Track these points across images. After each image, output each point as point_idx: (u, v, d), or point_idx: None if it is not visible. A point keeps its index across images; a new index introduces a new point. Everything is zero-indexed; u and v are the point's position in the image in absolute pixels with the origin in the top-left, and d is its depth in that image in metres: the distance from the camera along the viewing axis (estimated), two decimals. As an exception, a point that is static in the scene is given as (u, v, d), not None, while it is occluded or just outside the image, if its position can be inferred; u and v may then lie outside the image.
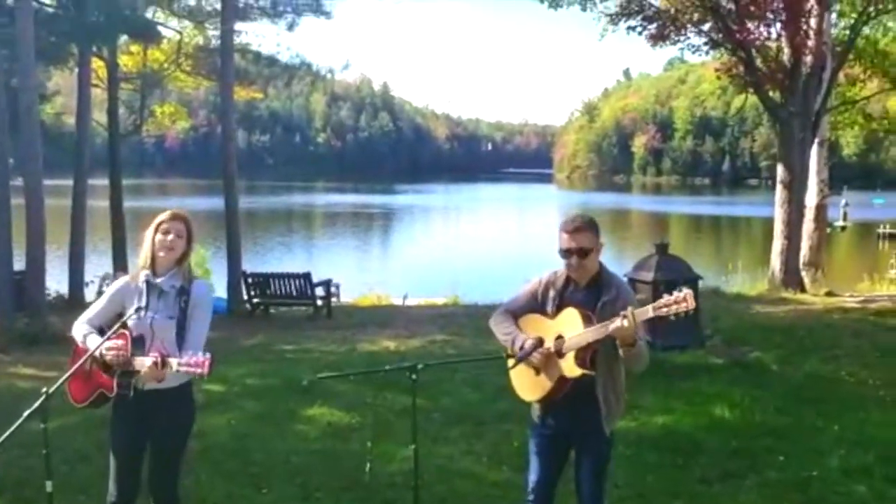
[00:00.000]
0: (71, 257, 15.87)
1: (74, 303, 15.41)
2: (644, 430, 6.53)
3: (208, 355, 3.57)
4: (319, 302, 14.41)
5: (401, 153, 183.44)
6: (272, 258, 34.97)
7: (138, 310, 3.69)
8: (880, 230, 46.45)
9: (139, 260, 3.88)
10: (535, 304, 3.81)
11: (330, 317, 14.20)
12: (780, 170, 15.28)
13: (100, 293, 16.64)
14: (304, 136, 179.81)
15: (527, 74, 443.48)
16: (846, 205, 50.99)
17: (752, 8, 14.22)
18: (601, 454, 3.79)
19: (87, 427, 6.12)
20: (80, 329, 3.84)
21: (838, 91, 17.78)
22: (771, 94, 15.15)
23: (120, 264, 17.84)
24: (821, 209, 17.28)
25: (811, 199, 16.84)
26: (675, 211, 77.43)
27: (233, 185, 15.17)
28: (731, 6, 14.64)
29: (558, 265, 3.78)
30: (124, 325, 3.69)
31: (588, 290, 3.69)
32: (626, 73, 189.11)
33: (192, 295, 3.82)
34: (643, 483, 5.51)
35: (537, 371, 3.68)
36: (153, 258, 3.80)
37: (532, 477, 3.92)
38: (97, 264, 19.14)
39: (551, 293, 3.77)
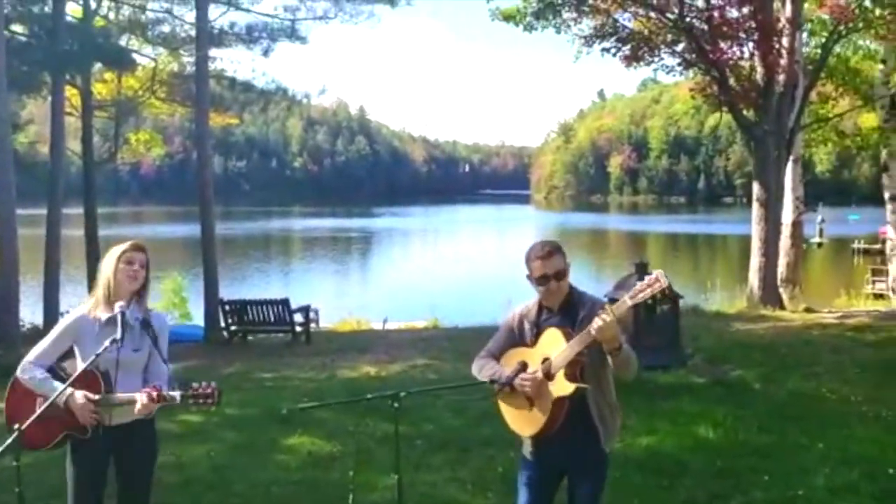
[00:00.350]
0: (46, 287, 15.62)
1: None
2: (629, 452, 6.47)
3: (213, 384, 3.58)
4: (298, 328, 14.28)
5: (378, 176, 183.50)
6: (249, 284, 34.74)
7: (113, 341, 3.60)
8: (855, 245, 46.99)
9: (98, 291, 3.78)
10: (515, 339, 3.76)
11: (309, 343, 14.07)
12: (755, 188, 15.39)
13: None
14: (281, 161, 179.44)
15: (503, 96, 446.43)
16: (822, 221, 51.52)
17: (725, 28, 14.39)
18: (599, 477, 3.72)
19: (59, 462, 5.98)
20: (33, 372, 3.68)
21: (811, 109, 18.00)
22: (745, 112, 15.29)
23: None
24: (797, 226, 17.43)
25: (787, 216, 16.98)
26: (652, 230, 78.00)
27: (209, 212, 15.05)
28: (704, 27, 14.79)
29: (525, 284, 3.75)
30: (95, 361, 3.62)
31: (562, 312, 3.66)
32: (601, 93, 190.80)
33: (154, 327, 3.80)
34: (629, 506, 5.45)
35: (531, 404, 3.61)
36: (116, 289, 3.72)
37: None
38: (71, 294, 18.88)
39: (527, 325, 3.73)
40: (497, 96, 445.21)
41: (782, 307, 15.12)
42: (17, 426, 3.48)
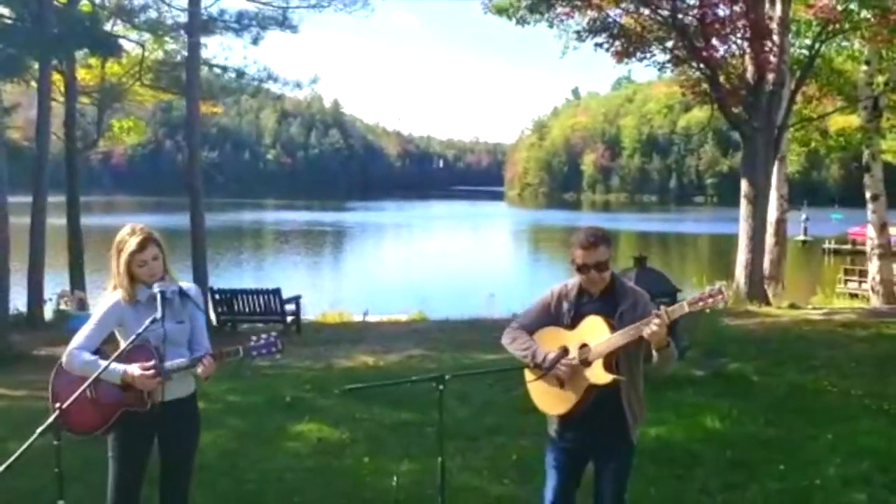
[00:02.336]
0: (30, 275, 15.37)
1: (34, 321, 15.00)
2: (640, 442, 6.48)
3: (273, 333, 3.71)
4: (289, 318, 14.20)
5: (352, 170, 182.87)
6: (222, 277, 34.36)
7: (154, 321, 3.57)
8: (826, 246, 47.60)
9: (117, 281, 3.75)
10: (550, 318, 3.76)
11: (299, 334, 14.01)
12: (743, 185, 15.56)
13: (58, 311, 16.22)
14: (254, 153, 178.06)
15: (477, 93, 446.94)
16: (807, 220, 52.06)
17: (718, 26, 14.51)
18: (625, 465, 3.77)
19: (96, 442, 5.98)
20: (83, 357, 3.64)
21: (795, 109, 18.22)
22: (734, 110, 15.44)
23: (77, 282, 17.41)
24: (781, 224, 17.65)
25: (771, 213, 17.18)
26: (624, 228, 78.45)
27: (198, 201, 14.90)
28: (696, 24, 14.91)
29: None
30: (139, 338, 3.60)
31: (603, 300, 3.67)
32: (575, 91, 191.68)
33: (191, 295, 3.85)
34: (647, 496, 5.46)
35: (562, 384, 3.62)
36: (136, 280, 3.71)
37: (549, 494, 3.86)
38: (53, 282, 18.59)
39: (565, 305, 3.74)
40: (472, 93, 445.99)
41: (768, 303, 15.31)
42: (57, 405, 3.44)
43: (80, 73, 18.26)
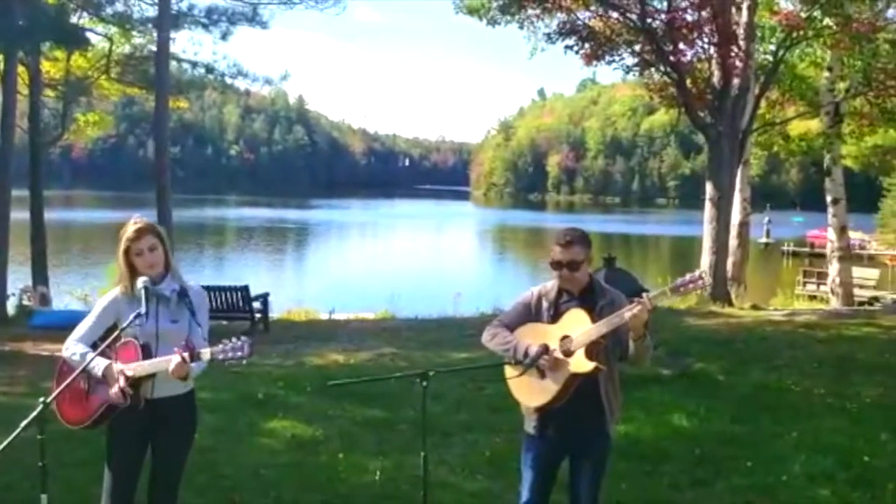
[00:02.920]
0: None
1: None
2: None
3: (245, 338, 3.56)
4: (257, 316, 14.12)
5: (316, 167, 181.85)
6: (186, 274, 33.72)
7: (138, 315, 3.57)
8: (784, 248, 48.38)
9: (118, 279, 3.79)
10: (530, 317, 3.84)
11: (267, 331, 13.93)
12: (708, 188, 15.81)
13: (20, 307, 15.99)
14: (217, 149, 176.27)
15: (443, 91, 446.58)
16: (769, 222, 52.79)
17: (685, 31, 14.73)
18: (603, 458, 3.85)
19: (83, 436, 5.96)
20: (76, 349, 3.68)
21: (758, 114, 18.54)
22: (700, 114, 15.68)
23: (40, 277, 17.16)
24: (743, 226, 17.95)
25: (735, 216, 17.46)
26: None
27: (166, 197, 14.80)
28: (664, 28, 15.12)
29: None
30: (124, 333, 3.61)
31: (582, 298, 3.76)
32: (541, 92, 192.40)
33: (192, 295, 3.79)
34: (618, 491, 5.56)
35: (542, 375, 3.69)
36: (136, 273, 3.70)
37: (525, 493, 3.91)
38: (14, 277, 18.29)
39: (545, 304, 3.82)
40: (438, 91, 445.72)
41: (731, 304, 15.57)
42: (42, 399, 3.44)
43: (45, 66, 17.98)
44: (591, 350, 3.57)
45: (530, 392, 3.79)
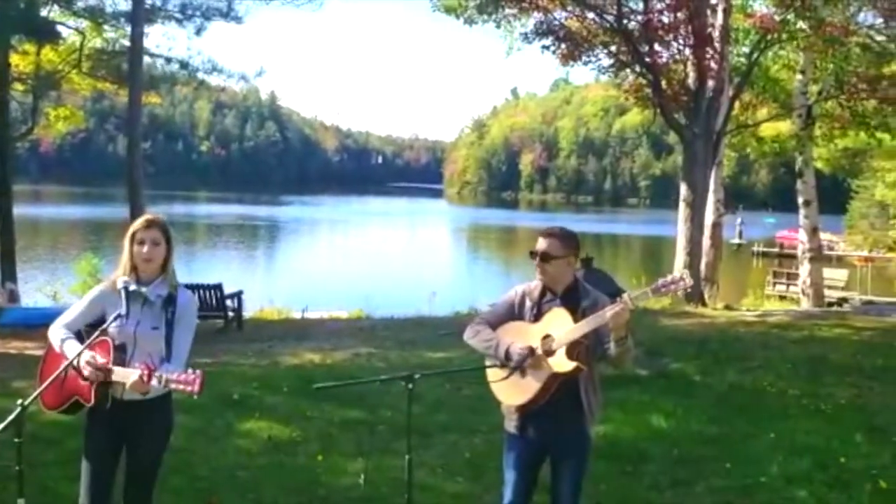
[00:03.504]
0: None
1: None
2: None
3: (199, 372, 3.43)
4: (230, 314, 13.99)
5: (288, 164, 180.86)
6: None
7: (118, 317, 3.51)
8: (754, 249, 48.90)
9: (118, 269, 3.72)
10: (513, 315, 3.85)
11: (241, 330, 13.82)
12: (682, 189, 15.90)
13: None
14: (188, 144, 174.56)
15: (417, 89, 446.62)
16: (742, 223, 53.24)
17: (662, 32, 14.80)
18: (583, 459, 3.85)
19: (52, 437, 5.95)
20: (58, 333, 3.66)
21: (732, 115, 18.69)
22: (675, 115, 15.77)
23: (8, 274, 16.86)
24: (716, 227, 18.08)
25: (708, 217, 17.58)
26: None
27: (139, 193, 14.61)
28: (641, 30, 15.18)
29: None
30: (104, 333, 3.54)
31: (565, 298, 3.77)
32: (514, 91, 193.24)
33: (177, 304, 3.71)
34: (598, 491, 5.57)
35: (523, 374, 3.69)
36: (134, 268, 3.66)
37: (508, 492, 3.91)
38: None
39: (528, 303, 3.83)
40: (411, 89, 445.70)
41: (704, 304, 15.68)
42: (20, 402, 3.37)
43: (14, 60, 17.64)
44: (573, 350, 3.58)
45: (511, 391, 3.79)
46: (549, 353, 3.61)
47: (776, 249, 49.44)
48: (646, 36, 14.96)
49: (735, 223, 50.37)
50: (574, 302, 3.71)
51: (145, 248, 3.63)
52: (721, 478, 5.92)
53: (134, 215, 14.73)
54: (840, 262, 38.38)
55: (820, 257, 19.34)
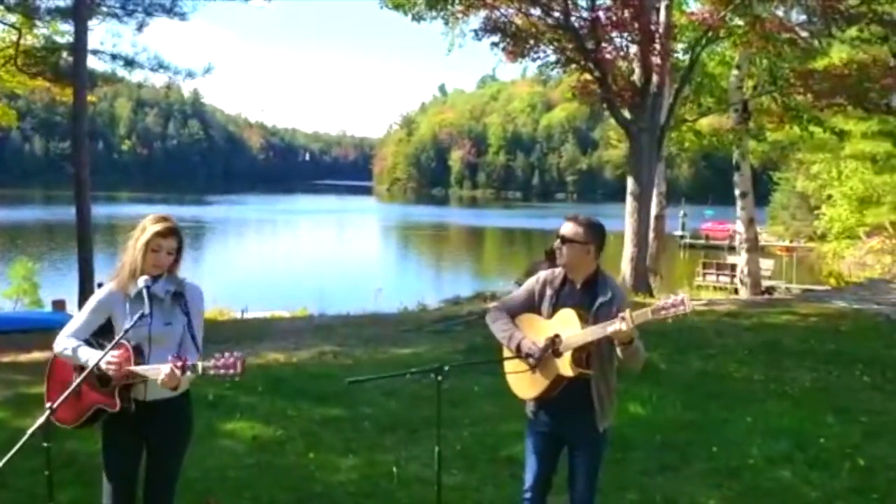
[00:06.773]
0: None
1: None
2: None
3: (238, 354, 3.45)
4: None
5: (213, 162, 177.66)
6: (74, 275, 32.60)
7: (143, 316, 3.44)
8: (680, 241, 50.02)
9: (124, 269, 3.64)
10: (533, 303, 3.92)
11: (193, 330, 13.52)
12: (630, 183, 16.21)
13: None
14: (108, 144, 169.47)
15: (344, 86, 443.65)
16: (685, 216, 54.31)
17: (608, 29, 15.05)
18: (595, 452, 3.93)
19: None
20: (68, 343, 3.56)
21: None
22: (621, 110, 16.08)
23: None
24: (659, 220, 18.52)
25: (651, 210, 17.97)
26: (490, 224, 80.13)
27: (85, 193, 14.19)
28: (588, 27, 15.40)
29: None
30: (126, 334, 3.47)
31: (584, 290, 3.83)
32: (442, 88, 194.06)
33: (187, 296, 3.70)
34: (594, 479, 5.69)
35: (533, 369, 3.78)
36: (142, 270, 3.59)
37: (529, 476, 4.00)
38: None
39: (548, 292, 3.90)
40: (338, 86, 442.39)
41: (651, 295, 16.01)
42: (48, 405, 3.30)
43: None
44: (578, 355, 3.66)
45: (523, 384, 3.90)
46: (557, 353, 3.68)
47: (702, 241, 50.81)
48: (592, 32, 15.18)
49: (679, 215, 51.38)
50: (591, 296, 3.78)
51: (161, 255, 3.60)
52: (706, 461, 6.10)
53: (80, 216, 14.33)
54: (763, 252, 39.60)
55: (756, 247, 19.97)
